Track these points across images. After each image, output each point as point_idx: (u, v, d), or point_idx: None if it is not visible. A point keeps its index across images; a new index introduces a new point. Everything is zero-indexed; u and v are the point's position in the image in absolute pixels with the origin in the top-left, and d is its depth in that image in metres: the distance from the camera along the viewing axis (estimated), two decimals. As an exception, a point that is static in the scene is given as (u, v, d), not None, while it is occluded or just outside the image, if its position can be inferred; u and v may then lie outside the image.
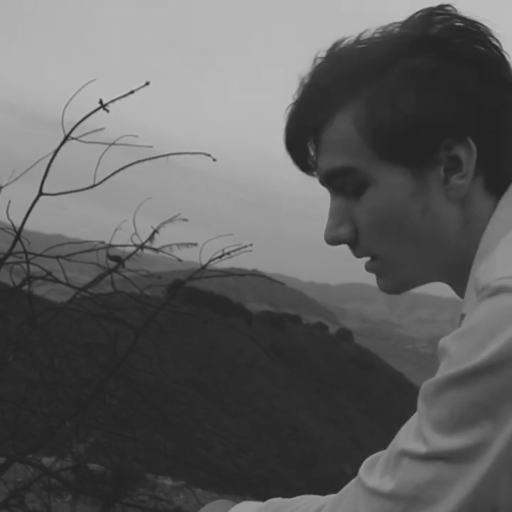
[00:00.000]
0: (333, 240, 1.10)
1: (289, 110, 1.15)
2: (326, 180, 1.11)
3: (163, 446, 7.81)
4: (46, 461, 7.71)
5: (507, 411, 0.79)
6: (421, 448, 0.84)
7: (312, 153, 1.13)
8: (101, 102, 4.09)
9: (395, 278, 1.12)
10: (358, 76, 1.06)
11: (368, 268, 1.14)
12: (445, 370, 0.84)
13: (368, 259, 1.16)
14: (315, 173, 1.14)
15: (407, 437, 0.88)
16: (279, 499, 1.23)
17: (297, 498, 1.21)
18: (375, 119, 1.04)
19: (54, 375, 7.21)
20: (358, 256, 1.13)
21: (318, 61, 1.14)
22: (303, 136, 1.12)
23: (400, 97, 1.03)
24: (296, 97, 1.14)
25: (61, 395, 7.44)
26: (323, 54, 1.15)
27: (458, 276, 1.07)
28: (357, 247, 1.12)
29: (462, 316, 0.99)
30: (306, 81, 1.13)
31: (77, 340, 7.36)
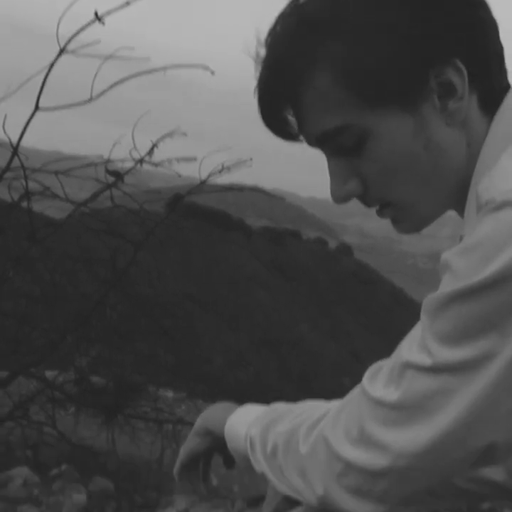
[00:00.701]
0: (344, 198, 1.09)
1: (258, 76, 1.06)
2: (320, 143, 1.07)
3: (164, 359, 7.93)
4: (49, 374, 7.81)
5: (511, 324, 0.79)
6: (426, 360, 0.85)
7: (291, 121, 1.06)
8: (96, 14, 3.99)
9: (412, 219, 1.10)
10: (326, 26, 1.00)
11: (383, 215, 1.11)
12: (449, 285, 0.84)
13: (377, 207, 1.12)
14: (301, 137, 1.08)
15: (411, 349, 0.89)
16: (282, 404, 1.24)
17: (301, 403, 1.21)
18: (357, 66, 0.99)
19: (54, 290, 7.27)
20: (371, 205, 1.10)
21: (283, 18, 1.05)
22: (280, 105, 1.05)
23: (377, 36, 0.99)
24: (263, 60, 1.06)
25: (62, 309, 7.51)
26: (287, 10, 1.05)
27: (463, 200, 1.05)
28: (368, 198, 1.09)
29: (461, 237, 0.98)
30: (273, 43, 1.05)
31: (77, 256, 7.39)
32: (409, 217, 1.10)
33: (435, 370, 0.85)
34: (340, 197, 1.08)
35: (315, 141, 1.07)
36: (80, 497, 3.53)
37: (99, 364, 7.97)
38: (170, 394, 9.69)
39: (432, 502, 1.28)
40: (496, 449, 0.85)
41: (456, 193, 1.05)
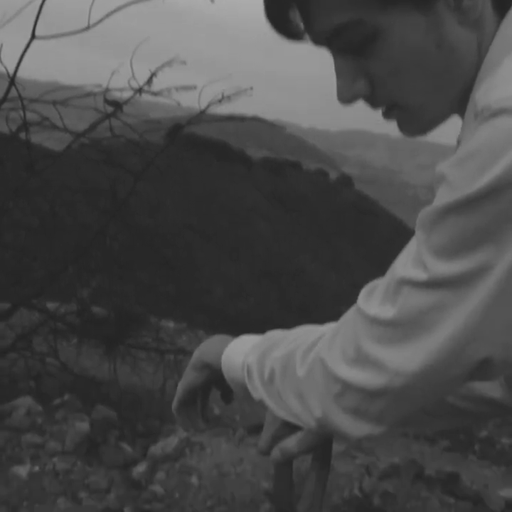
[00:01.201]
0: (351, 98, 1.04)
1: None
2: (329, 40, 1.02)
3: (164, 289, 7.95)
4: (51, 306, 7.85)
5: (508, 236, 0.78)
6: (421, 275, 0.84)
7: (298, 18, 1.02)
8: None
9: (418, 121, 1.07)
10: None
11: (389, 116, 1.08)
12: (445, 197, 0.83)
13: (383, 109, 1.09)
14: (306, 36, 1.05)
15: (407, 265, 0.88)
16: (278, 331, 1.24)
17: (296, 329, 1.21)
18: None
19: (54, 221, 7.25)
20: (377, 106, 1.06)
21: None
22: (287, 1, 1.00)
23: None
24: None
25: (62, 240, 7.51)
26: None
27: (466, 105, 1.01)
28: (375, 99, 1.05)
29: (459, 143, 0.96)
30: None
31: (76, 187, 7.35)
32: (415, 120, 1.07)
33: (431, 285, 0.83)
34: (347, 97, 1.05)
35: (323, 39, 1.02)
36: (82, 425, 3.57)
37: (101, 295, 8.00)
38: (171, 324, 9.77)
39: (428, 421, 1.28)
40: (492, 364, 0.84)
41: (463, 97, 1.01)
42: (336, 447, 4.03)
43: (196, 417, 1.44)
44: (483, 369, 0.86)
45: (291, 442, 1.15)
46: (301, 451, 1.16)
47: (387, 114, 1.07)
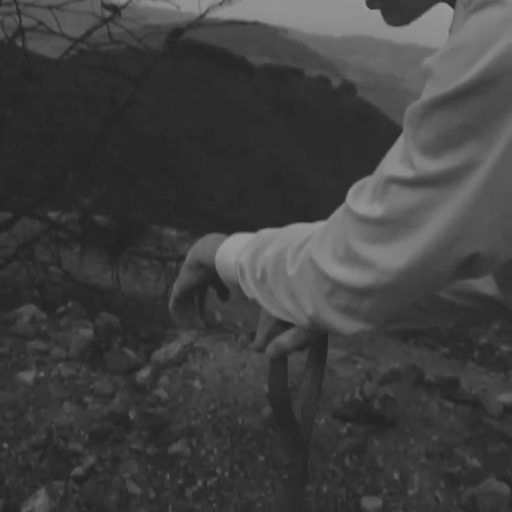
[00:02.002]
0: None
1: None
2: None
3: (166, 196, 7.92)
4: (52, 215, 7.84)
5: (495, 131, 0.77)
6: (408, 173, 0.84)
7: None
8: None
9: (401, 10, 1.03)
10: None
11: (372, 5, 1.05)
12: (431, 91, 0.81)
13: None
14: None
15: (394, 163, 0.87)
16: (269, 230, 1.24)
17: (288, 227, 1.22)
18: None
19: (54, 129, 7.16)
20: None
21: None
22: None
23: None
24: None
25: (62, 148, 7.43)
26: None
27: None
28: None
29: (450, 32, 0.92)
30: None
31: (75, 94, 7.22)
32: (397, 7, 1.04)
33: (418, 182, 0.82)
34: None
35: None
36: (86, 332, 3.60)
37: (102, 203, 7.97)
38: (173, 232, 9.78)
39: (424, 318, 1.31)
40: (480, 260, 0.84)
41: None
42: (337, 353, 4.08)
43: (194, 316, 1.45)
44: (471, 265, 0.85)
45: (284, 338, 1.17)
46: (294, 347, 1.18)
47: (370, 3, 1.04)
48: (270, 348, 1.19)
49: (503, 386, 5.94)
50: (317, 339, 1.26)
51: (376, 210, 0.88)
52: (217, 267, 1.28)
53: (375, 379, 3.71)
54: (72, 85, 7.21)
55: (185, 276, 1.38)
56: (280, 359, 1.21)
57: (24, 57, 6.05)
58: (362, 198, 0.92)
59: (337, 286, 0.96)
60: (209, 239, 1.34)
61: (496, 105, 0.75)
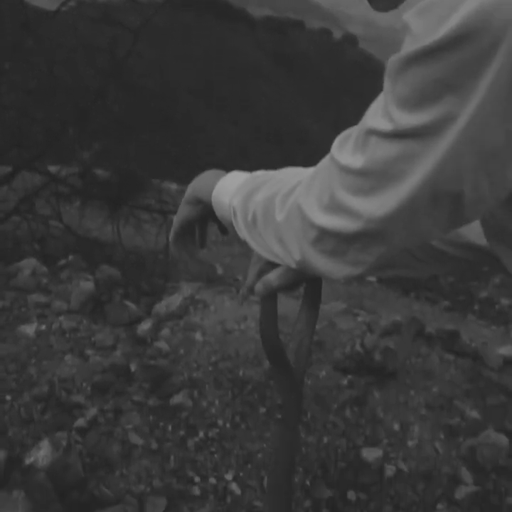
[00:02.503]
0: None
1: None
2: None
3: (167, 150, 7.87)
4: (53, 169, 7.80)
5: (470, 86, 0.77)
6: (387, 126, 0.84)
7: None
8: None
9: None
10: None
11: None
12: (408, 46, 0.81)
13: None
14: None
15: (375, 115, 0.88)
16: (263, 172, 1.26)
17: (280, 171, 1.24)
18: None
19: (53, 81, 7.08)
20: None
21: None
22: None
23: None
24: None
25: (62, 102, 7.36)
26: None
27: None
28: None
29: None
30: None
31: (74, 46, 7.13)
32: None
33: (396, 135, 0.83)
34: None
35: None
36: (87, 285, 3.60)
37: (103, 157, 7.93)
38: (173, 186, 9.74)
39: (417, 266, 1.33)
40: (464, 201, 0.84)
41: None
42: (338, 305, 4.09)
43: (193, 249, 1.49)
44: (454, 211, 0.86)
45: (272, 276, 1.20)
46: (281, 285, 1.21)
47: None
48: (258, 286, 1.22)
49: (503, 339, 5.96)
50: (311, 281, 1.28)
51: (358, 161, 0.88)
52: (213, 205, 1.31)
53: (376, 331, 3.72)
54: (70, 37, 7.12)
55: (183, 211, 1.40)
56: (270, 298, 1.23)
57: (21, 9, 5.97)
58: (345, 149, 0.92)
59: (323, 233, 0.98)
60: (207, 175, 1.35)
61: (470, 61, 0.75)
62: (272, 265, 1.20)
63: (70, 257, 4.57)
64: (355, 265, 0.99)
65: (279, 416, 1.34)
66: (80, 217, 7.54)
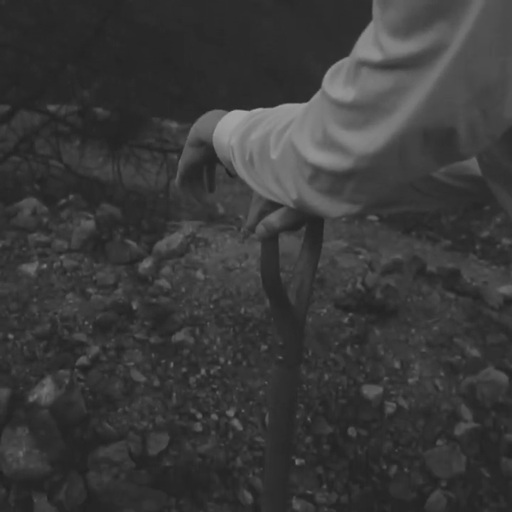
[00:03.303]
0: None
1: None
2: None
3: (167, 89, 7.78)
4: (52, 108, 7.72)
5: (461, 12, 0.74)
6: (377, 55, 0.81)
7: None
8: None
9: None
10: None
11: None
12: None
13: None
14: None
15: (366, 45, 0.85)
16: (261, 110, 1.24)
17: (276, 108, 1.22)
18: None
19: (51, 18, 6.96)
20: None
21: None
22: None
23: None
24: None
25: (60, 39, 7.25)
26: None
27: None
28: None
29: None
30: None
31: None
32: None
33: (387, 65, 0.80)
34: None
35: None
36: (88, 223, 3.58)
37: (103, 96, 7.85)
38: (174, 125, 9.66)
39: (421, 200, 1.31)
40: (457, 138, 0.82)
41: None
42: (340, 244, 4.08)
43: (201, 192, 1.48)
44: (448, 149, 0.84)
45: (273, 217, 1.19)
46: (283, 226, 1.19)
47: None
48: (260, 227, 1.21)
49: (504, 279, 5.98)
50: (313, 221, 1.27)
51: (349, 94, 0.86)
52: (214, 147, 1.29)
53: (377, 269, 3.72)
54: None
55: (187, 154, 1.39)
56: (271, 239, 1.22)
57: None
58: (337, 82, 0.90)
59: (317, 171, 0.96)
60: (209, 116, 1.33)
61: None
62: (272, 205, 1.19)
63: (71, 197, 4.54)
64: (352, 204, 0.98)
65: (280, 357, 1.34)
66: (80, 157, 7.49)
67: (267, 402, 2.81)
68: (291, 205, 1.09)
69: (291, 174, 1.03)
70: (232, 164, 1.24)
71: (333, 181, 0.95)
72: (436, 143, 0.83)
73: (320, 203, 1.01)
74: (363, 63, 0.83)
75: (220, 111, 1.32)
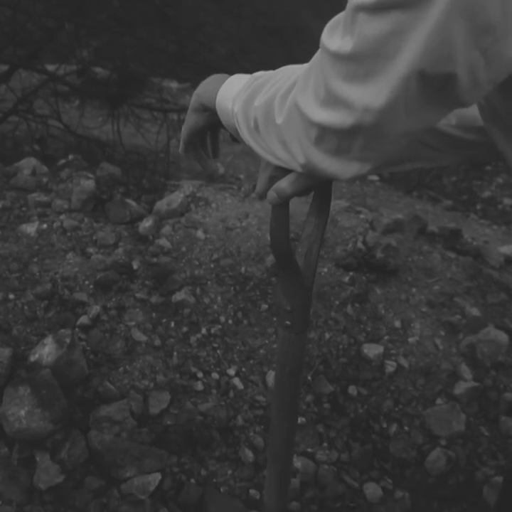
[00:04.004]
0: None
1: None
2: None
3: (167, 48, 7.70)
4: (50, 67, 7.65)
5: None
6: None
7: None
8: None
9: None
10: None
11: None
12: None
13: None
14: None
15: None
16: (262, 73, 1.22)
17: (278, 71, 1.19)
18: None
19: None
20: None
21: None
22: None
23: None
24: None
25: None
26: None
27: None
28: None
29: None
30: None
31: None
32: None
33: (383, 6, 0.78)
34: None
35: None
36: (88, 183, 3.56)
37: (101, 55, 7.77)
38: (174, 84, 9.58)
39: (433, 156, 1.31)
40: (458, 83, 0.81)
41: None
42: (341, 203, 4.06)
43: (205, 158, 1.48)
44: (450, 96, 0.83)
45: (284, 183, 1.18)
46: (294, 192, 1.18)
47: None
48: (271, 194, 1.20)
49: (505, 239, 5.97)
50: (320, 185, 1.25)
51: (348, 44, 0.84)
52: (218, 112, 1.28)
53: (378, 229, 3.71)
54: None
55: (190, 120, 1.38)
56: (281, 205, 1.21)
57: None
58: (335, 34, 0.89)
59: (323, 131, 0.94)
60: (211, 80, 1.32)
61: None
62: (282, 170, 1.18)
63: (70, 157, 4.51)
64: (362, 163, 0.97)
65: (288, 322, 1.33)
66: (80, 117, 7.44)
67: (268, 360, 2.82)
68: (299, 169, 1.08)
69: (297, 138, 1.02)
70: (236, 130, 1.23)
71: (340, 140, 0.94)
72: (438, 88, 0.82)
73: (329, 164, 1.00)
74: (359, 8, 0.81)
75: (222, 75, 1.30)
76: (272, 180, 1.20)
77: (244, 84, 1.20)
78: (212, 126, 1.40)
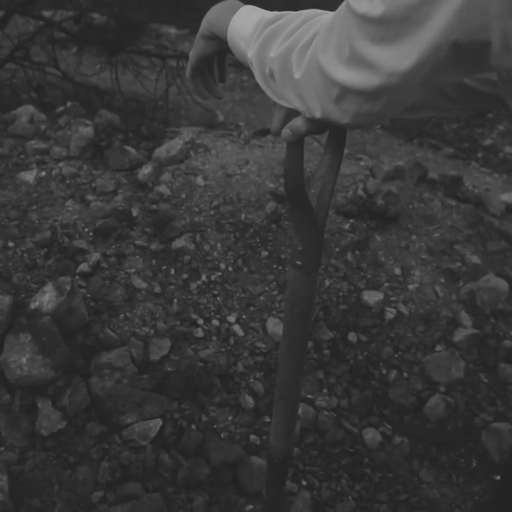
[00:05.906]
0: None
1: None
2: None
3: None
4: (47, 13, 7.53)
5: None
6: None
7: None
8: None
9: None
10: None
11: None
12: None
13: None
14: None
15: None
16: (274, 15, 1.18)
17: (294, 15, 1.15)
18: None
19: None
20: None
21: None
22: None
23: None
24: None
25: None
26: None
27: None
28: None
29: None
30: None
31: None
32: None
33: None
34: None
35: None
36: (86, 130, 3.52)
37: (99, 1, 7.65)
38: (173, 31, 9.45)
39: (449, 106, 1.31)
40: (490, 49, 0.79)
41: None
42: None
43: (212, 85, 1.47)
44: (479, 61, 0.82)
45: (299, 121, 1.16)
46: (309, 130, 1.17)
47: None
48: (286, 131, 1.19)
49: (506, 187, 5.94)
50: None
51: (377, 8, 0.83)
52: (229, 46, 1.26)
53: (379, 176, 3.69)
54: None
55: (199, 46, 1.37)
56: (296, 142, 1.20)
57: None
58: None
59: (345, 91, 0.94)
60: (223, 9, 1.29)
61: None
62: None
63: (68, 104, 4.46)
64: (380, 118, 0.98)
65: (299, 262, 1.33)
66: (77, 64, 7.35)
67: (268, 307, 2.83)
68: (316, 117, 1.07)
69: (316, 94, 1.01)
70: (248, 65, 1.21)
71: (362, 102, 0.93)
72: (469, 54, 0.81)
73: (347, 121, 1.00)
74: None
75: (234, 1, 1.28)
76: (288, 117, 1.19)
77: (256, 25, 1.18)
78: (220, 53, 1.39)
